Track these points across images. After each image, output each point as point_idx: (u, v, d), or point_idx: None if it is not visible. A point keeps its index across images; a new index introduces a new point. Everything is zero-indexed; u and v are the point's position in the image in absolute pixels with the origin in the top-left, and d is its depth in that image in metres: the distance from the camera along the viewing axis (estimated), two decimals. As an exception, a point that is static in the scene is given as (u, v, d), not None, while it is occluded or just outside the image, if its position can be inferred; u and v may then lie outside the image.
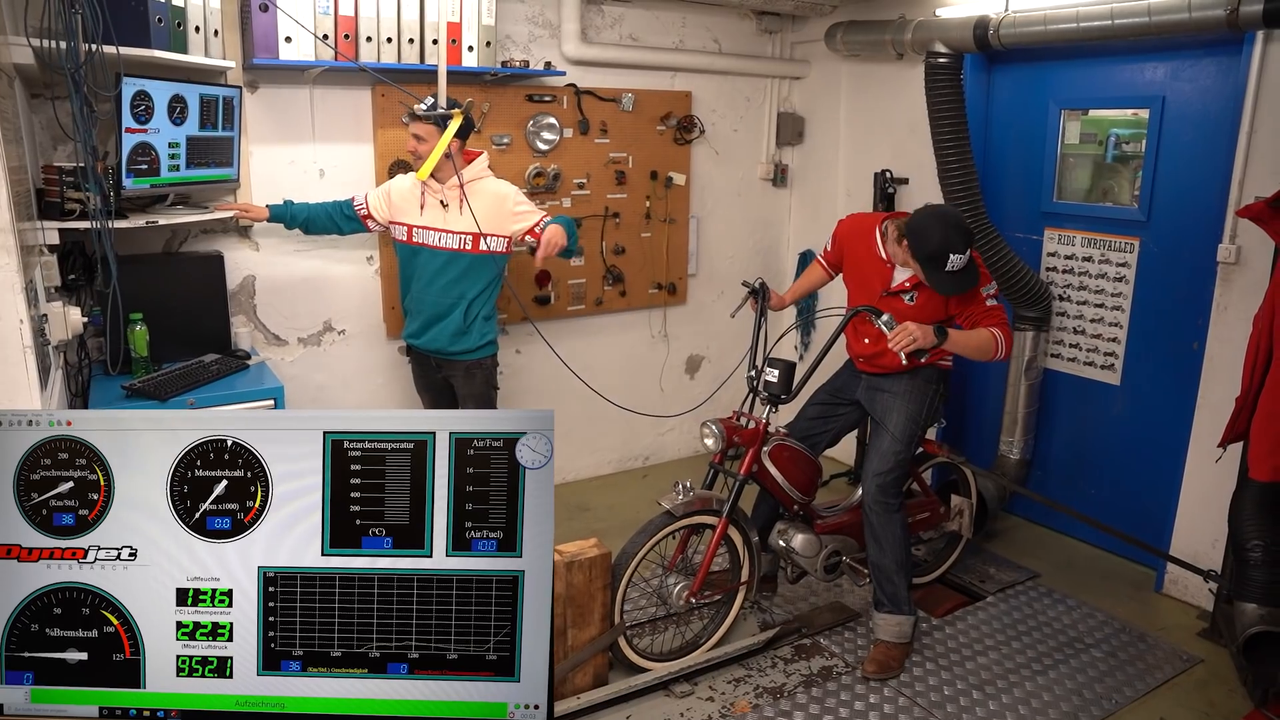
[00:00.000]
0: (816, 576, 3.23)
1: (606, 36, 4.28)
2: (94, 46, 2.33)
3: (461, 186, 3.27)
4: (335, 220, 3.48)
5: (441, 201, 3.30)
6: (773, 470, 3.07)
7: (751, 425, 3.05)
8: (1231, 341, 3.31)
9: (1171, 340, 3.68)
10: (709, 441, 3.02)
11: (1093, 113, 3.92)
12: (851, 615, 3.44)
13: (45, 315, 2.61)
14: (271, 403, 3.20)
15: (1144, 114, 3.68)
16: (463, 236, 3.31)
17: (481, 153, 3.41)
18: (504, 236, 3.33)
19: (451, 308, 3.36)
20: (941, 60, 3.79)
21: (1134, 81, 3.69)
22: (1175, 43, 3.49)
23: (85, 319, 3.00)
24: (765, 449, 3.06)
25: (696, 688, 2.99)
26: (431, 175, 3.28)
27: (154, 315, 3.24)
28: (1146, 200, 3.69)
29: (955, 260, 2.73)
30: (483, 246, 3.30)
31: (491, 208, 3.30)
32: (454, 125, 3.17)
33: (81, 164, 2.51)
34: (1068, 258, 3.99)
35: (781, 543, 3.19)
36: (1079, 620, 3.44)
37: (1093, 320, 3.95)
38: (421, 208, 3.35)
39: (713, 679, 3.04)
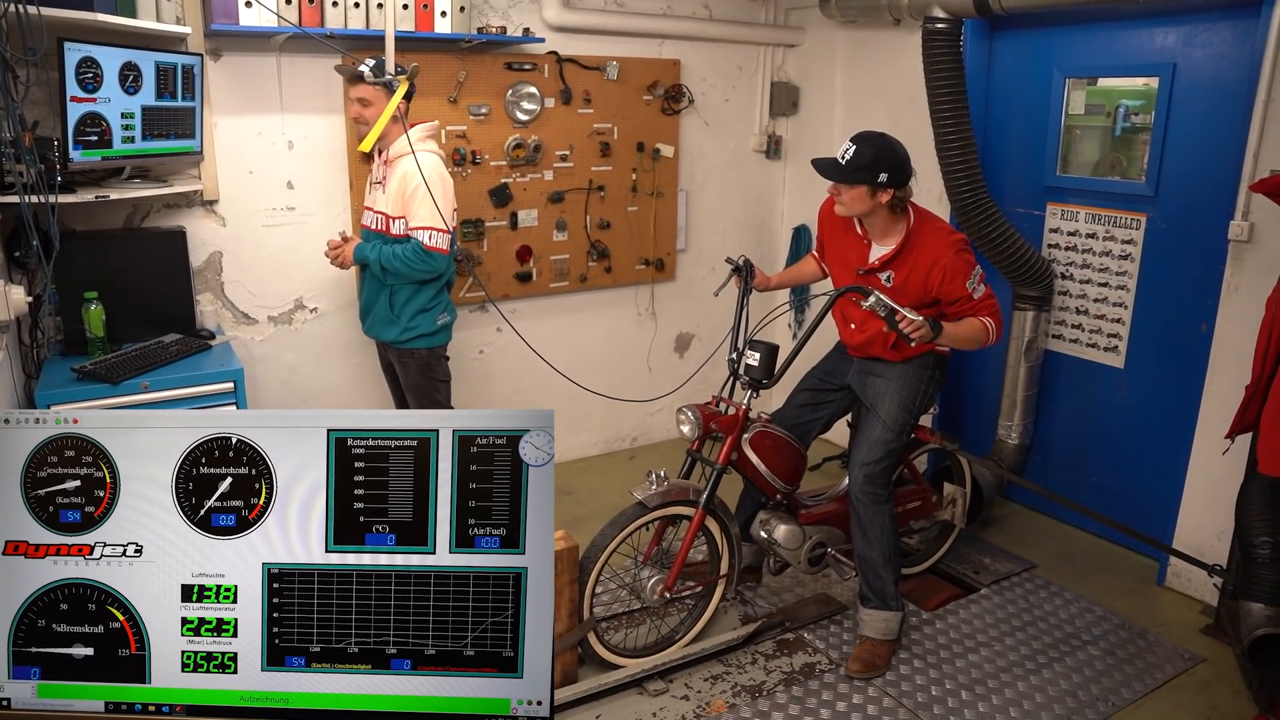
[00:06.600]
0: (800, 569, 3.09)
1: (590, 2, 4.08)
2: (16, 6, 2.17)
3: (386, 163, 3.09)
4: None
5: (374, 179, 3.17)
6: (753, 458, 2.92)
7: (731, 411, 2.90)
8: (1242, 324, 3.13)
9: (1179, 322, 3.49)
10: (684, 429, 2.87)
11: (1100, 82, 3.71)
12: (839, 608, 3.30)
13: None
14: (231, 385, 3.08)
15: (1153, 83, 3.47)
16: (378, 216, 3.15)
17: (416, 124, 3.14)
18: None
19: (377, 293, 3.19)
20: (940, 26, 3.58)
21: (1143, 48, 3.48)
22: (1188, 5, 3.28)
23: (30, 299, 2.89)
24: (746, 436, 2.91)
25: (671, 685, 2.87)
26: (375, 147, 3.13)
27: (114, 294, 3.14)
28: (1154, 174, 3.49)
29: (845, 150, 2.70)
30: (394, 229, 3.08)
31: (397, 187, 3.05)
32: (401, 91, 3.00)
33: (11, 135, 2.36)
34: (1071, 234, 3.80)
35: (763, 533, 3.05)
36: (1077, 615, 3.30)
37: (1096, 300, 3.76)
38: (369, 184, 3.22)
39: (689, 676, 2.91)
